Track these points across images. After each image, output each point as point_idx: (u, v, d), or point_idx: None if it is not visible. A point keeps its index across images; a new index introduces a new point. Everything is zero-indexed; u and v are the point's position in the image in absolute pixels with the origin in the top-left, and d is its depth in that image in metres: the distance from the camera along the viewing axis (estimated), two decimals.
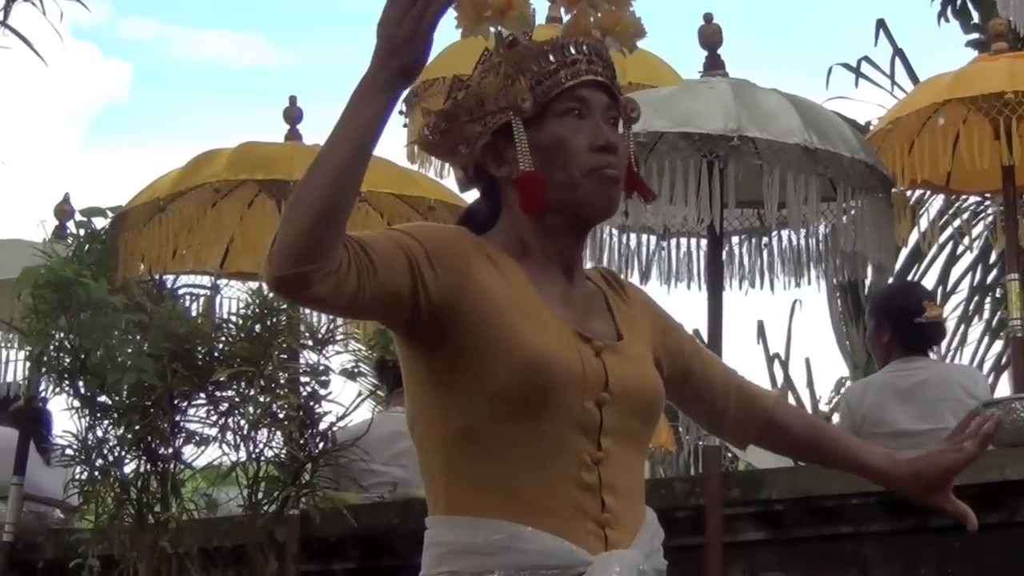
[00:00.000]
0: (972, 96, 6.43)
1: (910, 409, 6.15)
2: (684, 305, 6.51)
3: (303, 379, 6.26)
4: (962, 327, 12.28)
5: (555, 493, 2.19)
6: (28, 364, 6.77)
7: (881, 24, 12.30)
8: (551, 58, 2.31)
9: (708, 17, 6.08)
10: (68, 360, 6.23)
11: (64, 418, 6.70)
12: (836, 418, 7.33)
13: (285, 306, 6.32)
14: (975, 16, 11.07)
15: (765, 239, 6.31)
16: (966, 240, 10.85)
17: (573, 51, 2.33)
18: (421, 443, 2.31)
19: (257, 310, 6.27)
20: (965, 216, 11.21)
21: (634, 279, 6.26)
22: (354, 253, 2.03)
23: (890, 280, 9.45)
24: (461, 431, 2.20)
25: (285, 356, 6.25)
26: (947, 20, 12.47)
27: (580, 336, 2.26)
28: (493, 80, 2.34)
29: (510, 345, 2.18)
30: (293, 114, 7.03)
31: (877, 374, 6.75)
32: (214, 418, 6.14)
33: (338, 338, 6.68)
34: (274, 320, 6.23)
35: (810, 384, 11.90)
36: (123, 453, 6.15)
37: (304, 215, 1.99)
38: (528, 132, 2.28)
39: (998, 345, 11.71)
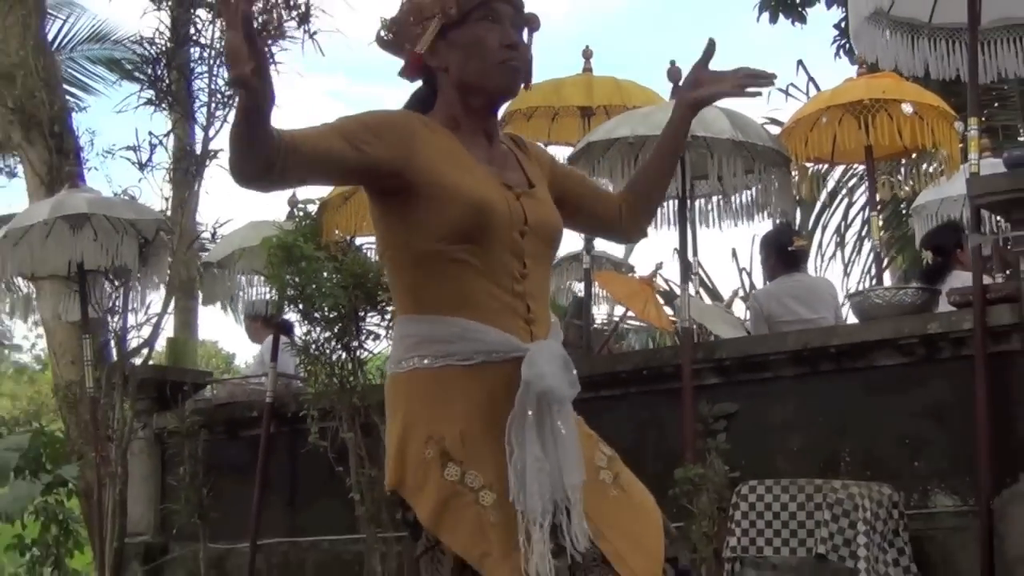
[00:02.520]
0: (843, 103, 7.71)
1: (800, 305, 7.47)
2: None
3: None
4: (858, 246, 14.16)
5: (495, 298, 2.51)
6: (273, 295, 8.34)
7: (800, 62, 14.23)
8: None
9: (672, 63, 6.90)
10: (293, 292, 7.54)
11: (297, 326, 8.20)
12: (748, 314, 8.28)
13: None
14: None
15: (716, 198, 7.65)
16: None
17: None
18: (391, 266, 2.64)
19: None
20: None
21: None
22: (288, 153, 2.31)
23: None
24: (423, 254, 2.51)
25: None
26: (840, 56, 13.78)
27: (504, 185, 2.59)
28: None
29: (458, 192, 2.48)
30: None
31: (771, 284, 8.07)
32: (382, 322, 7.57)
33: None
34: None
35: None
36: (329, 346, 7.56)
37: (236, 160, 2.31)
38: (452, 32, 2.61)
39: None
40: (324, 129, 2.43)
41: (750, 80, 2.90)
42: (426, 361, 2.50)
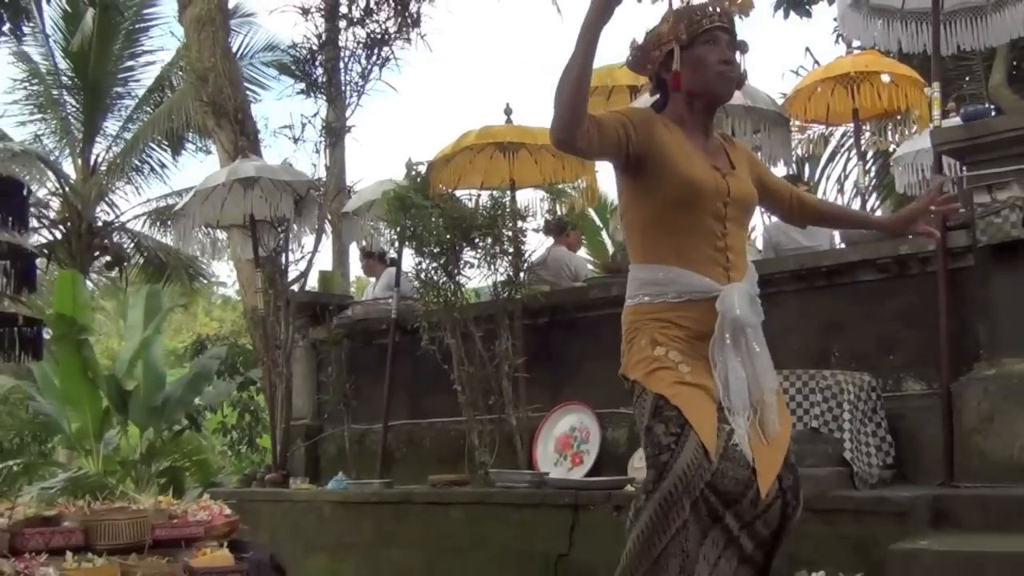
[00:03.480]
0: (834, 75, 7.66)
1: (801, 236, 7.24)
2: None
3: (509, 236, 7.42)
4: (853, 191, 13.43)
5: (701, 252, 2.60)
6: (393, 236, 8.36)
7: (807, 48, 15.83)
8: (697, 13, 2.74)
9: None
10: (408, 233, 7.65)
11: (408, 260, 8.24)
12: (760, 242, 8.01)
13: (506, 202, 7.67)
14: None
15: None
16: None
17: (710, 10, 2.73)
18: (628, 226, 2.75)
19: (494, 207, 7.56)
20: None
21: None
22: (593, 124, 2.47)
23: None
24: (651, 217, 2.63)
25: (509, 228, 7.48)
26: (839, 43, 12.76)
27: (714, 167, 2.67)
28: (665, 27, 2.75)
29: (678, 171, 2.58)
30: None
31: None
32: (475, 255, 7.51)
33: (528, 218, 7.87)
34: (501, 211, 7.48)
35: None
36: (436, 274, 7.49)
37: (564, 104, 2.39)
38: (684, 53, 2.72)
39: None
40: (612, 116, 2.61)
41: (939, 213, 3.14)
42: (647, 298, 2.65)
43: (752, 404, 2.55)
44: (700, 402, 2.53)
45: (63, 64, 18.11)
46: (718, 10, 2.74)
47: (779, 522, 2.64)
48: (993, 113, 6.16)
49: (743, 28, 2.94)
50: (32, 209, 16.11)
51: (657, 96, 2.84)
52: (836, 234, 7.31)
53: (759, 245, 7.95)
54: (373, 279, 9.91)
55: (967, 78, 12.83)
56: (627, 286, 2.73)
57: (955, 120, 6.49)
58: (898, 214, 3.11)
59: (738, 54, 2.81)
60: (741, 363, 2.52)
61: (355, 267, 13.82)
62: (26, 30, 15.57)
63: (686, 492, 2.45)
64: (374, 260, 9.70)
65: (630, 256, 2.77)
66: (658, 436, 2.49)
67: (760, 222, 8.00)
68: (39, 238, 17.13)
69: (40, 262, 16.39)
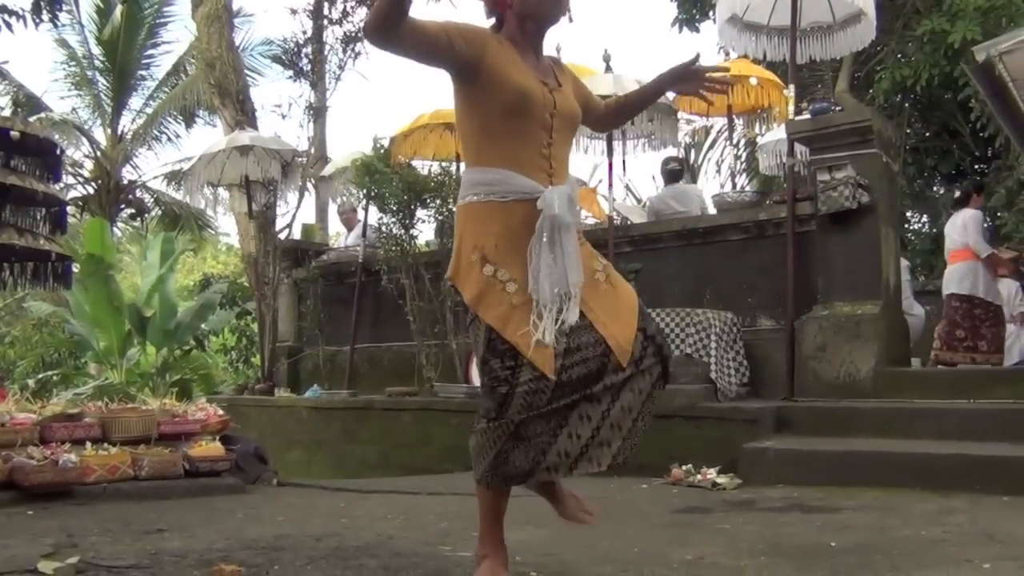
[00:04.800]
0: None
1: (677, 203, 7.19)
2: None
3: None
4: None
5: (529, 157, 2.30)
6: (361, 196, 8.23)
7: (697, 56, 13.69)
8: None
9: (605, 50, 7.06)
10: (372, 195, 7.61)
11: (373, 216, 8.05)
12: (646, 211, 7.95)
13: (452, 171, 7.57)
14: None
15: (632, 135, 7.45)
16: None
17: None
18: (463, 132, 2.40)
19: (442, 175, 7.53)
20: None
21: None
22: (409, 22, 2.09)
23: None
24: (484, 124, 2.31)
25: (454, 192, 7.01)
26: (718, 53, 12.33)
27: (542, 82, 2.36)
28: None
29: (509, 81, 2.28)
30: None
31: (661, 190, 7.68)
32: (426, 213, 7.44)
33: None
34: (447, 178, 7.35)
35: None
36: (394, 227, 7.45)
37: (378, 8, 2.04)
38: None
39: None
40: (434, 23, 2.23)
41: (712, 81, 2.63)
42: (476, 197, 2.31)
43: (559, 297, 2.21)
44: (530, 328, 2.21)
45: (96, 50, 17.82)
46: None
47: (660, 365, 2.39)
48: (835, 110, 6.14)
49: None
50: (69, 168, 15.96)
51: (493, 20, 2.48)
52: (710, 203, 7.30)
53: (645, 214, 7.90)
54: (349, 231, 9.74)
55: (819, 85, 12.87)
56: (460, 188, 2.40)
57: (806, 115, 6.46)
58: (670, 73, 2.63)
59: None
60: (554, 259, 2.21)
61: (332, 222, 13.70)
62: (65, 20, 15.22)
63: (528, 412, 2.19)
64: (353, 215, 9.49)
65: (464, 160, 2.46)
66: (495, 370, 2.20)
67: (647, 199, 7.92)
68: (75, 192, 16.88)
69: (74, 211, 16.28)
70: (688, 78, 2.62)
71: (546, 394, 2.19)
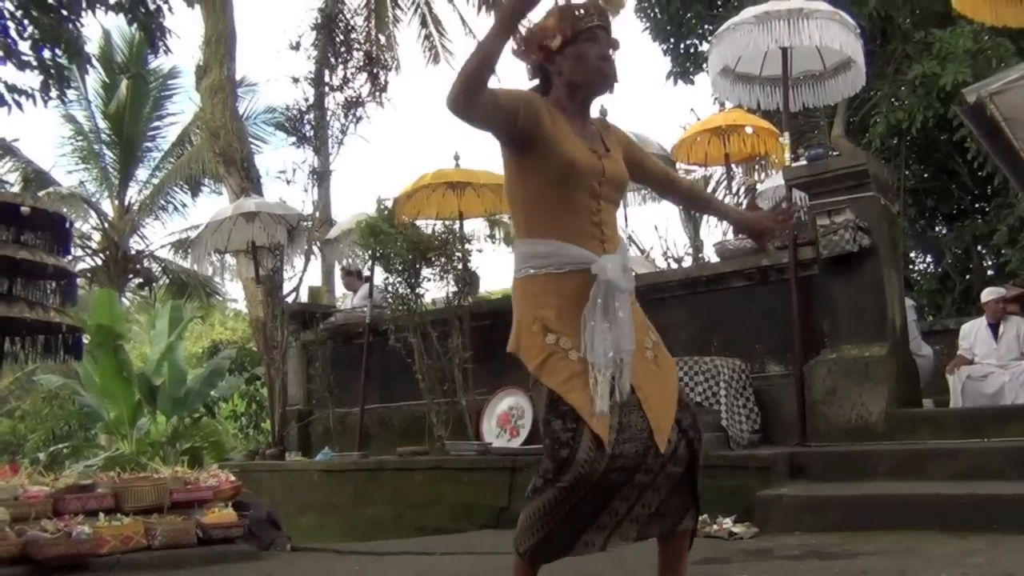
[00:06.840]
0: (709, 128, 7.75)
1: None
2: None
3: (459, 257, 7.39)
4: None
5: (580, 226, 2.32)
6: (367, 257, 8.24)
7: (692, 109, 13.72)
8: (581, 11, 2.42)
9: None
10: (377, 255, 7.58)
11: (379, 276, 8.03)
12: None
13: (456, 229, 7.65)
14: None
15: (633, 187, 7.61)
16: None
17: (592, 9, 2.44)
18: (513, 203, 2.41)
19: (446, 233, 7.57)
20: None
21: None
22: (489, 93, 2.14)
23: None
24: (533, 195, 2.33)
25: (458, 250, 7.48)
26: (715, 103, 12.52)
27: (591, 150, 2.37)
28: (551, 21, 2.42)
29: (559, 152, 2.29)
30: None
31: None
32: (432, 272, 7.41)
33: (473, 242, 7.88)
34: (451, 237, 7.51)
35: None
36: (400, 286, 7.42)
37: (468, 73, 2.08)
38: (567, 48, 2.40)
39: None
40: (505, 92, 2.25)
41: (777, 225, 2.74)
42: (532, 271, 2.33)
43: (613, 363, 2.22)
44: (590, 391, 2.23)
45: (102, 124, 18.11)
46: (596, 9, 2.48)
47: (688, 459, 2.39)
48: (831, 155, 6.20)
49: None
50: (77, 240, 16.08)
51: (536, 82, 2.50)
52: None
53: (649, 265, 8.02)
54: (352, 293, 9.81)
55: (815, 131, 13.00)
56: (513, 261, 2.39)
57: (803, 161, 6.53)
58: (748, 219, 2.74)
59: (612, 51, 2.50)
60: (608, 324, 2.22)
61: (339, 284, 13.72)
62: (72, 96, 15.48)
63: (584, 483, 2.20)
64: (353, 277, 9.56)
65: (514, 232, 2.44)
66: (556, 431, 2.20)
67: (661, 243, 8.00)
68: (84, 264, 17.00)
69: (83, 283, 16.36)
70: (757, 236, 2.73)
71: (600, 465, 2.18)
